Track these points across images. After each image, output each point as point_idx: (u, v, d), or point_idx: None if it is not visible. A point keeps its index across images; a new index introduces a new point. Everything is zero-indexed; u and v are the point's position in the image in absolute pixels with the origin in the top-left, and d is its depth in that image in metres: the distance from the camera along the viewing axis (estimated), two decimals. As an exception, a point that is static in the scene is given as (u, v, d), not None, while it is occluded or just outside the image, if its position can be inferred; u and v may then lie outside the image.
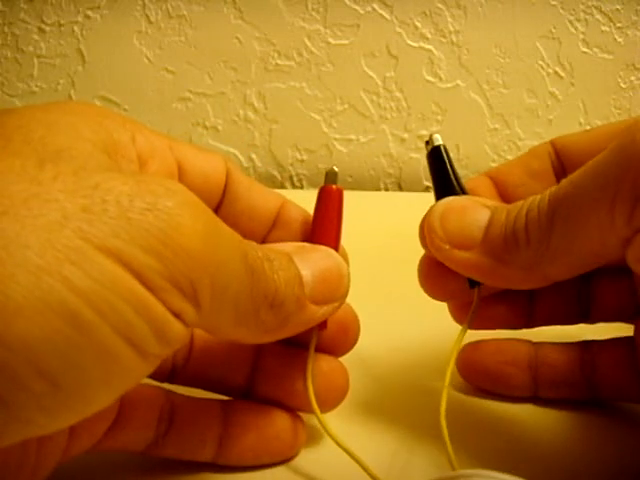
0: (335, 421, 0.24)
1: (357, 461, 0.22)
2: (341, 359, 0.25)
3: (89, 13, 0.57)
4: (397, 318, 0.27)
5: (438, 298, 0.27)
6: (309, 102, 0.59)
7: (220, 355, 0.24)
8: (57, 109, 0.19)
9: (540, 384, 0.27)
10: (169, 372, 0.24)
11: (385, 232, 0.31)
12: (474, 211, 0.23)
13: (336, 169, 0.24)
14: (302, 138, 0.60)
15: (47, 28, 0.57)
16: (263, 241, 0.24)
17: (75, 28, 0.57)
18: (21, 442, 0.16)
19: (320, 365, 0.24)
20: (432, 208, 0.24)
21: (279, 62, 0.58)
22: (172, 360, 0.24)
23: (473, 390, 0.28)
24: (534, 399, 0.27)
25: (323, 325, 0.23)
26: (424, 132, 0.60)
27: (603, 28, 0.58)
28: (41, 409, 0.14)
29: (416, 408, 0.27)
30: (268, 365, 0.24)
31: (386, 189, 0.62)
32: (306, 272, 0.21)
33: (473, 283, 0.25)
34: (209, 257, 0.16)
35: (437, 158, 0.25)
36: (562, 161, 0.26)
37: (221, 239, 0.17)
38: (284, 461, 0.24)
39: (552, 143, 0.26)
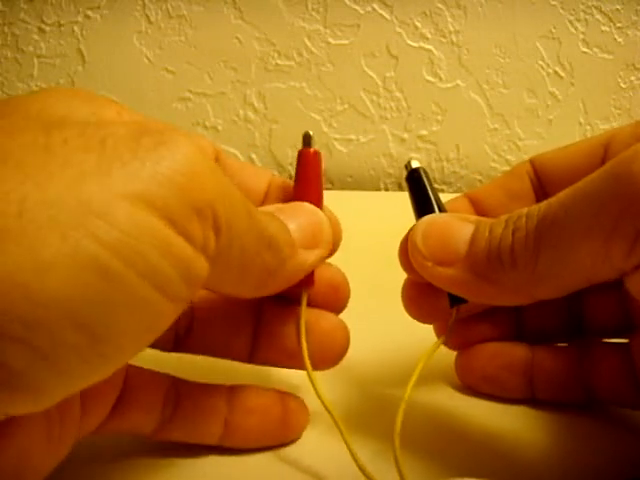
0: (323, 424, 0.25)
1: (341, 432, 0.22)
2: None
3: (89, 13, 0.57)
4: (396, 318, 0.27)
5: (422, 321, 0.27)
6: (309, 102, 0.59)
7: (221, 322, 0.25)
8: (49, 90, 0.20)
9: (536, 387, 0.27)
10: (173, 342, 0.25)
11: (385, 232, 0.31)
12: (457, 226, 0.23)
13: (311, 133, 0.25)
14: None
15: (47, 28, 0.57)
16: None
17: (75, 28, 0.57)
18: (46, 415, 0.18)
19: (319, 322, 0.24)
20: (414, 226, 0.24)
21: (279, 62, 0.58)
22: (175, 331, 0.24)
23: (467, 390, 0.28)
24: (530, 401, 0.27)
25: (310, 282, 0.24)
26: (424, 132, 0.60)
27: (603, 28, 0.58)
28: (81, 361, 0.15)
29: (409, 413, 0.27)
30: (269, 327, 0.25)
31: (386, 189, 0.62)
32: (289, 224, 0.22)
33: (453, 302, 0.24)
34: (219, 184, 0.17)
35: (416, 180, 0.25)
36: (542, 180, 0.26)
37: (222, 174, 0.18)
38: (287, 444, 0.24)
39: (531, 162, 0.26)
